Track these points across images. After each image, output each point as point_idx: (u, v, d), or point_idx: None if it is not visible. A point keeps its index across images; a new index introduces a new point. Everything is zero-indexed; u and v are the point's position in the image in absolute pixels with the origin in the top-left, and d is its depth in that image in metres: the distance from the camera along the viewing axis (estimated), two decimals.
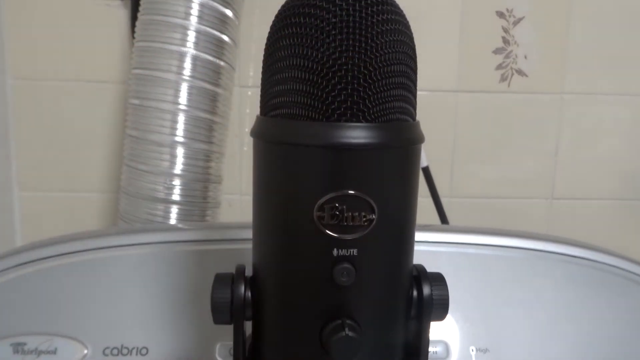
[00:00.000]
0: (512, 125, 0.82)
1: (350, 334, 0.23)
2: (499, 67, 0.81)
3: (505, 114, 0.82)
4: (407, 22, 0.23)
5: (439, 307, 0.25)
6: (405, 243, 0.25)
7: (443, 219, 0.65)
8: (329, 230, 0.22)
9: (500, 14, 0.79)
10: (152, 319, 0.35)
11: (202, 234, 0.37)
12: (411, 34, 0.23)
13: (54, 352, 0.34)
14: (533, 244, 0.39)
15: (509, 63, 0.81)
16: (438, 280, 0.26)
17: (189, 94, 0.63)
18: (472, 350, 0.36)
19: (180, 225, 0.60)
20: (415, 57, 0.24)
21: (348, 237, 0.22)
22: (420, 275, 0.26)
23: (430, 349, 0.34)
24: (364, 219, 0.22)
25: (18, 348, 0.34)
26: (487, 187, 0.84)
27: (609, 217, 0.85)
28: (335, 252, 0.23)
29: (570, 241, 0.41)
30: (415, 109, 0.25)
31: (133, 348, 0.34)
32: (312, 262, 0.23)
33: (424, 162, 0.60)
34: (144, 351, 0.34)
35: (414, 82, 0.24)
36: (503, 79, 0.81)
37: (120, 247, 0.36)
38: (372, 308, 0.24)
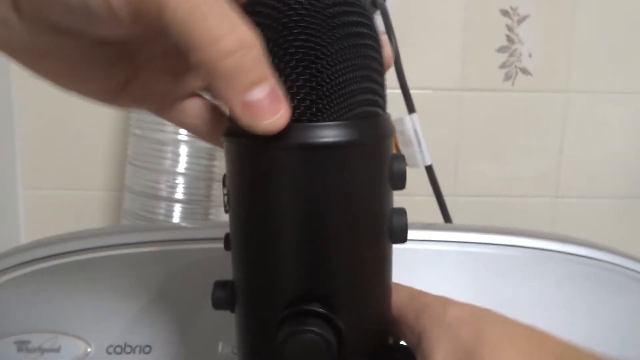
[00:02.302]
0: (516, 124, 0.82)
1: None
2: (503, 65, 0.80)
3: (510, 112, 0.81)
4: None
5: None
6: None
7: (446, 217, 0.65)
8: None
9: (505, 12, 0.79)
10: (155, 317, 0.35)
11: (206, 232, 0.37)
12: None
13: (58, 350, 0.34)
14: (537, 243, 0.39)
15: (513, 61, 0.80)
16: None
17: None
18: None
19: (183, 224, 0.60)
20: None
21: None
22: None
23: None
24: None
25: (22, 346, 0.34)
26: (491, 186, 0.83)
27: (614, 216, 0.85)
28: None
29: (575, 240, 0.40)
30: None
31: (136, 346, 0.34)
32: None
33: (427, 160, 0.59)
34: (147, 349, 0.34)
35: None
36: (507, 77, 0.81)
37: (123, 245, 0.36)
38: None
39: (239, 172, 0.22)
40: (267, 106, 0.19)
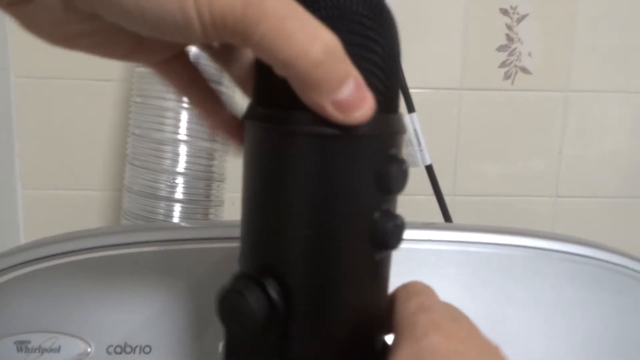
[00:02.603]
0: (516, 123, 0.82)
1: None
2: (503, 64, 0.80)
3: (509, 111, 0.81)
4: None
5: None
6: None
7: (446, 217, 0.65)
8: None
9: (504, 11, 0.79)
10: (156, 317, 0.35)
11: (205, 232, 0.37)
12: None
13: (58, 350, 0.34)
14: (537, 243, 0.39)
15: (513, 61, 0.80)
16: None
17: None
18: None
19: (183, 224, 0.60)
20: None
21: None
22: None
23: None
24: None
25: (22, 346, 0.34)
26: (491, 185, 0.83)
27: (613, 215, 0.85)
28: None
29: (575, 239, 0.40)
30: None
31: (136, 346, 0.34)
32: None
33: (427, 160, 0.59)
34: (147, 349, 0.34)
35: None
36: (507, 76, 0.81)
37: (123, 245, 0.36)
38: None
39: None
40: (355, 99, 0.20)
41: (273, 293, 0.23)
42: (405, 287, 0.26)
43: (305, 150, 0.22)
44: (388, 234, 0.23)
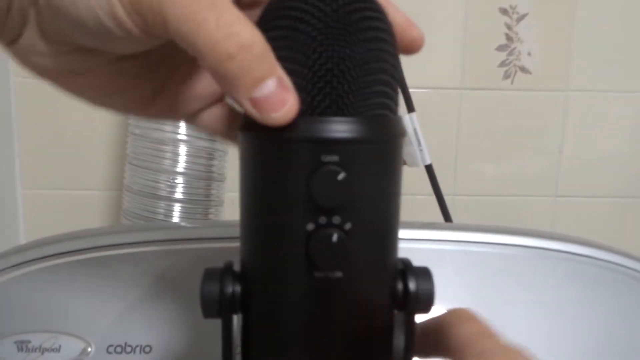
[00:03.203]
0: (515, 123, 0.82)
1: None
2: (502, 64, 0.80)
3: (509, 111, 0.81)
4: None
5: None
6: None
7: (446, 217, 0.65)
8: None
9: (504, 11, 0.79)
10: (156, 317, 0.35)
11: (205, 231, 0.37)
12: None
13: (58, 349, 0.34)
14: (537, 242, 0.39)
15: (513, 60, 0.80)
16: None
17: None
18: None
19: (183, 224, 0.60)
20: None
21: None
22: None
23: None
24: None
25: (22, 346, 0.34)
26: (491, 185, 0.83)
27: (613, 215, 0.85)
28: None
29: (574, 239, 0.40)
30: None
31: (137, 346, 0.34)
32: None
33: (426, 159, 0.59)
34: (147, 349, 0.34)
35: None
36: (506, 76, 0.81)
37: (123, 245, 0.36)
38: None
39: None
40: (274, 99, 0.20)
41: (228, 289, 0.23)
42: (455, 312, 0.25)
43: (247, 151, 0.22)
44: (313, 252, 0.21)
